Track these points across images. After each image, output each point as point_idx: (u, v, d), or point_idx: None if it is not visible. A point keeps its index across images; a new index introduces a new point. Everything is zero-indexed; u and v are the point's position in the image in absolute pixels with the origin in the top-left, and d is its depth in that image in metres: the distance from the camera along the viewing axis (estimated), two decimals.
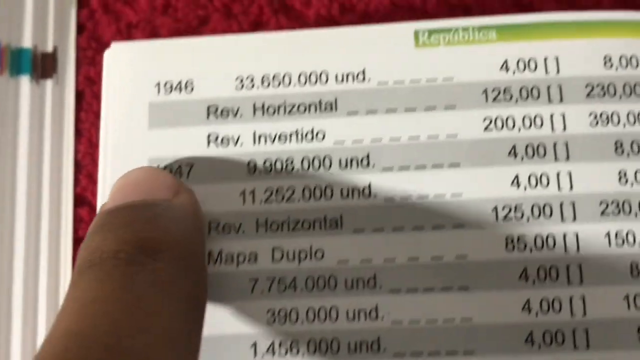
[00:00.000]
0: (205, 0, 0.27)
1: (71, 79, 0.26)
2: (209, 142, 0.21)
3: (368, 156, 0.21)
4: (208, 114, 0.21)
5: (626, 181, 0.20)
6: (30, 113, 0.24)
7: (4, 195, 0.24)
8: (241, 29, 0.27)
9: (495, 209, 0.21)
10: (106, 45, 0.26)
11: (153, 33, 0.27)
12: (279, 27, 0.27)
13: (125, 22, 0.27)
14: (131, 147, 0.21)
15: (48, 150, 0.24)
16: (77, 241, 0.25)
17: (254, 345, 0.20)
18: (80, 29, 0.27)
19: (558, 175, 0.21)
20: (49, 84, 0.25)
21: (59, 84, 0.25)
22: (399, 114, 0.21)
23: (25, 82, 0.25)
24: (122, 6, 0.27)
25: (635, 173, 0.21)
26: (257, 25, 0.27)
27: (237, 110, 0.21)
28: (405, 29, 0.22)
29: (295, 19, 0.27)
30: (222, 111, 0.21)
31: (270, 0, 0.27)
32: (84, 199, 0.25)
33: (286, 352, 0.20)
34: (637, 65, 0.21)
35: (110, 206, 0.18)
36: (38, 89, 0.25)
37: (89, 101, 0.26)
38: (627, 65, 0.21)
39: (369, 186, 0.21)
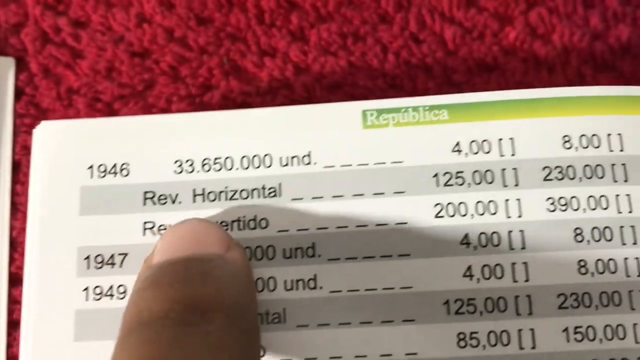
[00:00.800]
0: (151, 63, 0.26)
1: (7, 149, 0.25)
2: (144, 231, 0.20)
3: (313, 246, 0.20)
4: (144, 200, 0.21)
5: (586, 272, 0.20)
6: None
7: None
8: (189, 93, 0.26)
9: (447, 302, 0.20)
10: (45, 112, 0.25)
11: (95, 98, 0.26)
12: (230, 90, 0.26)
13: (66, 87, 0.26)
14: (60, 234, 0.20)
15: None
16: (12, 324, 0.24)
17: None
18: (18, 94, 0.26)
19: (513, 266, 0.20)
20: None
21: None
22: (346, 199, 0.21)
23: None
24: (64, 69, 0.26)
25: (596, 263, 0.20)
26: (206, 88, 0.26)
27: (176, 196, 0.21)
28: (353, 108, 0.21)
29: (247, 82, 0.26)
30: (159, 197, 0.21)
31: (220, 62, 0.26)
32: (19, 279, 0.24)
33: None
34: (599, 145, 0.21)
35: (160, 260, 0.18)
36: None
37: (26, 172, 0.25)
38: (587, 145, 0.21)
39: (315, 278, 0.20)
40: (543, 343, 0.20)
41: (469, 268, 0.20)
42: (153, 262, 0.18)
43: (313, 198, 0.21)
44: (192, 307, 0.16)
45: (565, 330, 0.20)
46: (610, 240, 0.20)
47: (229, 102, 0.26)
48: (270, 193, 0.21)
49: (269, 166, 0.21)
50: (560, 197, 0.21)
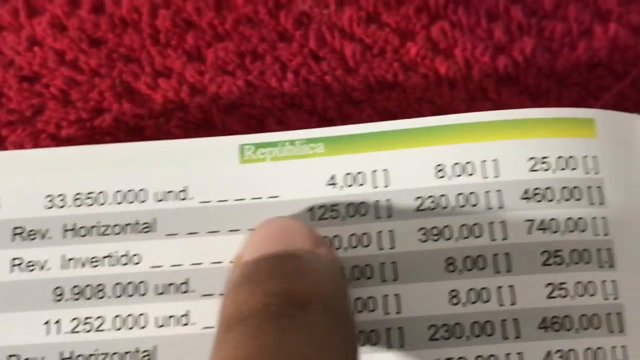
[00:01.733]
0: (41, 87, 0.27)
1: None
2: (12, 267, 0.21)
3: (187, 282, 0.21)
4: (13, 236, 0.21)
5: (457, 302, 0.21)
6: None
7: None
8: (79, 118, 0.27)
9: None
10: None
11: None
12: (122, 113, 0.27)
13: None
14: None
15: None
16: None
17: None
18: None
19: (386, 298, 0.21)
20: None
21: None
22: (221, 235, 0.21)
23: None
24: None
25: (468, 292, 0.21)
26: (97, 112, 0.27)
27: (46, 231, 0.21)
28: (231, 142, 0.22)
29: (140, 104, 0.27)
30: (29, 233, 0.21)
31: (112, 84, 0.27)
32: None
33: None
34: (472, 173, 0.22)
35: (253, 256, 0.19)
36: None
37: None
38: (460, 174, 0.22)
39: (187, 314, 0.21)
40: None
41: None
42: (244, 259, 0.19)
43: (188, 234, 0.21)
44: (291, 300, 0.17)
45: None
46: (483, 269, 0.21)
47: (121, 126, 0.27)
48: (144, 228, 0.21)
49: (143, 201, 0.22)
50: (433, 227, 0.21)
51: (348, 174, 0.22)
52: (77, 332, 0.21)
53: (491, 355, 0.20)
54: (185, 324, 0.21)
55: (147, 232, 0.21)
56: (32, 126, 0.26)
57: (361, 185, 0.22)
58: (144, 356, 0.21)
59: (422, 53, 0.28)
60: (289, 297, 0.17)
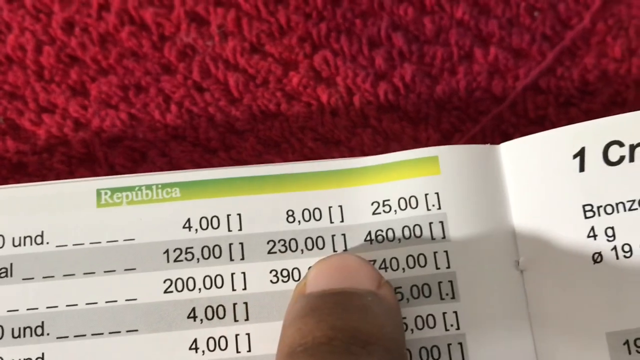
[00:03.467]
0: None
1: None
2: None
3: (42, 325, 0.21)
4: None
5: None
6: None
7: None
8: None
9: None
10: None
11: None
12: (6, 150, 0.27)
13: None
14: None
15: None
16: None
17: None
18: None
19: (237, 337, 0.21)
20: None
21: None
22: (77, 278, 0.21)
23: None
24: None
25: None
26: (13, 129, 0.27)
27: None
28: (88, 187, 0.22)
29: (24, 141, 0.27)
30: None
31: None
32: None
33: None
34: (320, 218, 0.22)
35: (318, 289, 0.19)
36: None
37: None
38: (309, 219, 0.22)
39: (42, 356, 0.21)
40: None
41: (195, 341, 0.21)
42: (308, 290, 0.19)
43: (44, 277, 0.21)
44: (355, 338, 0.18)
45: None
46: None
47: (4, 162, 0.26)
48: (1, 273, 0.21)
49: (0, 247, 0.21)
50: (283, 269, 0.21)
51: (203, 217, 0.22)
52: None
53: None
54: None
55: (4, 277, 0.21)
56: None
57: (215, 228, 0.22)
58: None
59: (304, 82, 0.28)
60: (353, 335, 0.18)
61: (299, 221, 0.21)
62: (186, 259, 0.21)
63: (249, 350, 0.21)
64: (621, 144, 0.22)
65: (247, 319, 0.21)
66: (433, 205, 0.22)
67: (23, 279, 0.21)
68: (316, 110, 0.27)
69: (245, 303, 0.21)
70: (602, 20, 0.28)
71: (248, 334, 0.21)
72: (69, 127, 0.26)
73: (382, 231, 0.21)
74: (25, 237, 0.21)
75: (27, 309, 0.21)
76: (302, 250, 0.21)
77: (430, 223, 0.22)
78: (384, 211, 0.22)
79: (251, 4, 0.28)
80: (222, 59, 0.28)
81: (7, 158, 0.26)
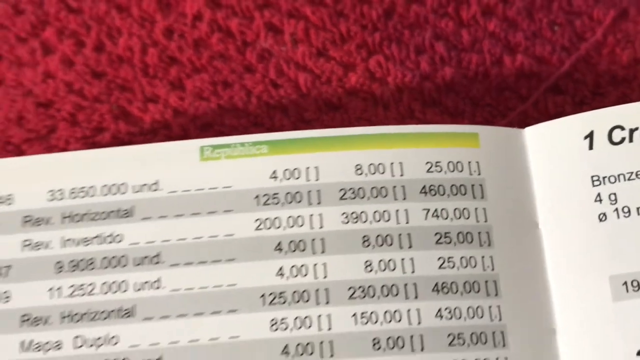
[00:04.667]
0: (54, 111, 0.31)
1: None
2: (23, 247, 0.25)
3: (158, 255, 0.25)
4: (24, 223, 0.25)
5: (371, 270, 0.24)
6: None
7: None
8: (84, 135, 0.30)
9: (263, 296, 0.24)
10: None
11: (7, 142, 0.30)
12: (118, 131, 0.31)
13: None
14: None
15: None
16: None
17: None
18: None
19: (315, 266, 0.24)
20: None
21: None
22: (185, 217, 0.25)
23: None
24: None
25: (379, 262, 0.24)
26: (98, 131, 0.31)
27: (49, 219, 0.25)
28: (194, 144, 0.26)
29: (133, 124, 0.31)
30: (35, 220, 0.25)
31: (110, 108, 0.31)
32: None
33: None
34: (383, 172, 0.25)
35: None
36: None
37: None
38: (374, 172, 0.25)
39: (159, 280, 0.24)
40: (337, 325, 0.24)
41: (281, 268, 0.24)
42: None
43: (159, 217, 0.25)
44: None
45: (354, 315, 0.24)
46: (390, 244, 0.25)
47: (117, 142, 0.30)
48: (124, 214, 0.25)
49: (123, 193, 0.25)
50: (352, 212, 0.25)
51: (286, 169, 0.25)
52: (74, 296, 0.24)
53: (396, 311, 0.23)
54: (157, 288, 0.24)
55: (127, 217, 0.25)
56: (46, 142, 0.30)
57: (297, 178, 0.25)
58: (125, 313, 0.24)
59: (361, 81, 0.31)
60: None
61: (366, 174, 0.25)
62: (273, 202, 0.25)
63: (325, 277, 0.24)
64: (622, 128, 0.25)
65: (323, 252, 0.24)
66: (474, 171, 0.25)
67: (142, 219, 0.25)
68: (370, 104, 0.31)
69: (322, 239, 0.24)
70: (612, 34, 0.32)
71: (324, 264, 0.24)
72: (169, 114, 0.30)
73: (434, 186, 0.25)
74: (143, 185, 0.25)
75: (146, 242, 0.25)
76: (368, 198, 0.25)
77: (472, 185, 0.25)
78: (436, 170, 0.25)
79: (317, 17, 0.32)
80: (294, 62, 0.31)
81: (120, 138, 0.30)
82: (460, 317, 0.24)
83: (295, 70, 0.31)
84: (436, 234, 0.24)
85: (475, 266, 0.24)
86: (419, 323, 0.24)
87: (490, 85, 0.31)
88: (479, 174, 0.25)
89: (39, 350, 0.23)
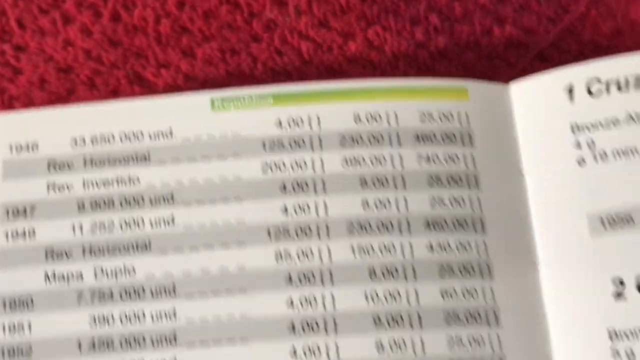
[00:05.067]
0: (73, 76, 0.33)
1: None
2: (48, 189, 0.27)
3: (172, 195, 0.27)
4: (48, 168, 0.27)
5: (368, 207, 0.26)
6: None
7: None
8: (101, 98, 0.32)
9: (269, 231, 0.26)
10: None
11: (30, 103, 0.32)
12: (133, 95, 0.32)
13: (8, 95, 0.32)
14: None
15: None
16: None
17: (79, 344, 0.25)
18: None
19: (316, 204, 0.26)
20: None
21: None
22: (197, 161, 0.27)
23: None
24: (7, 83, 0.33)
25: (375, 201, 0.26)
26: (115, 94, 0.33)
27: (71, 163, 0.27)
28: (205, 96, 0.27)
29: (147, 88, 0.33)
30: (59, 164, 0.27)
31: (126, 73, 0.33)
32: None
33: (102, 349, 0.25)
34: (379, 121, 0.27)
35: None
36: None
37: None
38: (371, 121, 0.27)
39: (172, 217, 0.26)
40: (336, 256, 0.26)
41: (285, 206, 0.26)
42: None
43: (173, 161, 0.27)
44: None
45: (352, 248, 0.26)
46: (386, 185, 0.27)
47: None
48: (141, 159, 0.27)
49: (140, 140, 0.27)
50: (351, 157, 0.27)
51: (290, 118, 0.27)
52: (94, 232, 0.26)
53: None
54: (171, 224, 0.26)
55: (143, 161, 0.27)
56: (66, 104, 0.32)
57: (299, 127, 0.27)
58: (142, 247, 0.26)
59: (360, 49, 0.33)
60: None
61: (363, 122, 0.27)
62: (277, 148, 0.27)
63: (326, 214, 0.26)
64: (600, 81, 0.27)
65: (324, 191, 0.26)
66: (464, 122, 0.27)
67: (157, 162, 0.27)
68: (369, 71, 0.33)
69: (323, 181, 0.26)
70: (594, 7, 0.33)
71: (325, 202, 0.26)
72: (180, 79, 0.32)
73: (426, 134, 0.27)
74: (158, 132, 0.27)
75: (161, 184, 0.27)
76: (365, 144, 0.27)
77: (461, 134, 0.27)
78: (428, 120, 0.27)
79: None
80: (297, 31, 0.33)
81: None
82: (449, 251, 0.25)
83: (299, 39, 0.33)
84: (428, 177, 0.26)
85: (463, 206, 0.26)
86: (412, 255, 0.25)
87: (480, 54, 0.33)
88: (468, 124, 0.27)
89: (62, 281, 0.25)
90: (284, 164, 0.26)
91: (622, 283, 0.25)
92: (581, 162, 0.26)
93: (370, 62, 0.32)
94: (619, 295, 0.25)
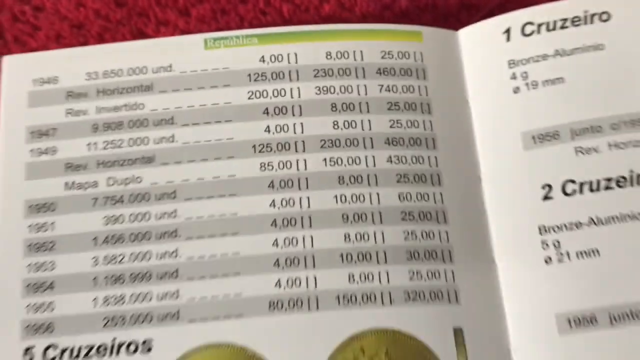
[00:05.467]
0: (85, 32, 0.38)
1: None
2: (67, 114, 0.32)
3: (172, 118, 0.31)
4: (67, 97, 0.32)
5: (338, 127, 0.31)
6: None
7: None
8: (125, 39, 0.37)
9: (254, 146, 0.31)
10: None
11: None
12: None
13: (29, 47, 0.37)
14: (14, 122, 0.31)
15: None
16: None
17: (95, 239, 0.30)
18: None
19: (294, 125, 0.31)
20: None
21: None
22: (193, 91, 0.32)
23: None
24: (27, 37, 0.38)
25: (344, 122, 0.31)
26: (141, 34, 0.37)
27: (86, 93, 0.32)
28: (199, 38, 0.32)
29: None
30: (77, 94, 0.32)
31: (130, 29, 0.38)
32: None
33: (115, 243, 0.30)
34: (347, 58, 0.32)
35: None
36: None
37: None
38: (340, 58, 0.32)
39: (173, 136, 0.31)
40: (311, 166, 0.31)
41: (268, 126, 0.31)
42: None
43: (173, 91, 0.32)
44: None
45: (324, 159, 0.31)
46: (352, 110, 0.32)
47: None
48: (145, 89, 0.32)
49: (145, 73, 0.32)
50: (323, 86, 0.32)
51: (272, 54, 0.32)
52: (107, 148, 0.31)
53: None
54: (172, 141, 0.31)
55: (147, 91, 0.32)
56: None
57: (280, 62, 0.32)
58: (147, 160, 0.31)
59: (333, 9, 0.38)
60: None
61: (334, 59, 0.32)
62: (261, 79, 0.32)
63: (302, 132, 0.31)
64: (532, 24, 0.32)
65: (300, 115, 0.31)
66: (418, 59, 0.32)
67: (159, 92, 0.32)
68: None
69: (300, 106, 0.31)
70: None
71: (302, 123, 0.31)
72: (177, 35, 0.37)
73: (387, 69, 0.32)
74: (159, 67, 0.32)
75: (163, 109, 0.31)
76: (335, 76, 0.31)
77: (416, 69, 0.32)
78: (388, 57, 0.32)
79: None
80: None
81: None
82: (405, 163, 0.30)
83: (280, 2, 0.38)
84: (387, 103, 0.31)
85: (417, 127, 0.31)
86: (374, 165, 0.30)
87: (437, 14, 0.38)
88: (422, 61, 0.32)
89: (79, 189, 0.30)
90: (266, 92, 0.31)
91: (550, 187, 0.30)
92: (516, 90, 0.31)
93: (342, 21, 0.38)
94: (546, 197, 0.30)
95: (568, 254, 0.28)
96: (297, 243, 0.28)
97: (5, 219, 0.28)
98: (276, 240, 0.28)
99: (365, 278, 0.28)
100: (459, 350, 0.27)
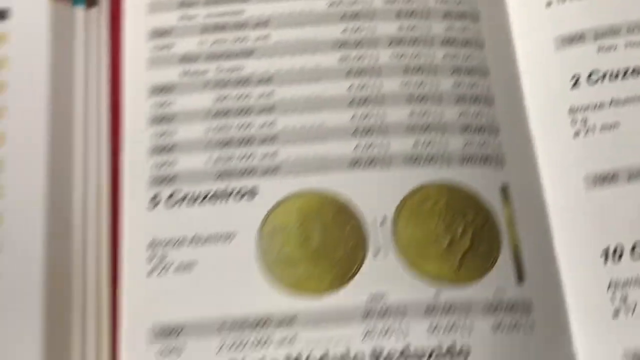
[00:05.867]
0: None
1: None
2: (181, 18, 0.39)
3: (268, 20, 0.38)
4: (180, 5, 0.39)
5: (402, 30, 0.38)
6: (85, 30, 0.41)
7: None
8: None
9: (334, 44, 0.38)
10: None
11: None
12: None
13: None
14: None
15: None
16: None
17: (207, 113, 0.37)
18: None
19: (368, 27, 0.38)
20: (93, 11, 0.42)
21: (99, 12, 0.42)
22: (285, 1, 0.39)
23: (80, 9, 0.42)
24: None
25: (407, 27, 0.38)
26: None
27: (197, 2, 0.39)
28: None
29: None
30: (188, 3, 0.39)
31: None
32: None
33: (223, 116, 0.37)
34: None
35: None
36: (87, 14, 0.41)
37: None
38: None
39: (269, 34, 0.38)
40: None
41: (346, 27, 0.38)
42: None
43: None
44: None
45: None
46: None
47: None
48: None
49: None
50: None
51: None
52: (213, 45, 0.38)
53: None
54: (265, 39, 0.38)
55: (247, 1, 0.39)
56: None
57: None
58: (248, 54, 0.38)
59: None
60: None
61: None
62: None
63: (374, 33, 0.38)
64: None
65: (372, 19, 0.38)
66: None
67: (256, 1, 0.39)
68: None
69: (373, 11, 0.38)
70: None
71: (375, 26, 0.38)
72: None
73: None
74: None
75: (259, 13, 0.38)
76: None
77: None
78: None
79: None
80: None
81: None
82: (459, 59, 0.37)
83: None
84: (444, 12, 0.38)
85: (470, 31, 0.38)
86: (433, 61, 0.37)
87: None
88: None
89: (192, 75, 0.37)
90: (342, 2, 0.38)
91: (578, 77, 0.36)
92: None
93: None
94: (575, 84, 0.36)
95: (594, 127, 0.35)
96: (371, 118, 0.35)
97: (132, 99, 0.35)
98: (354, 114, 0.35)
99: (427, 145, 0.35)
100: (505, 203, 0.34)
